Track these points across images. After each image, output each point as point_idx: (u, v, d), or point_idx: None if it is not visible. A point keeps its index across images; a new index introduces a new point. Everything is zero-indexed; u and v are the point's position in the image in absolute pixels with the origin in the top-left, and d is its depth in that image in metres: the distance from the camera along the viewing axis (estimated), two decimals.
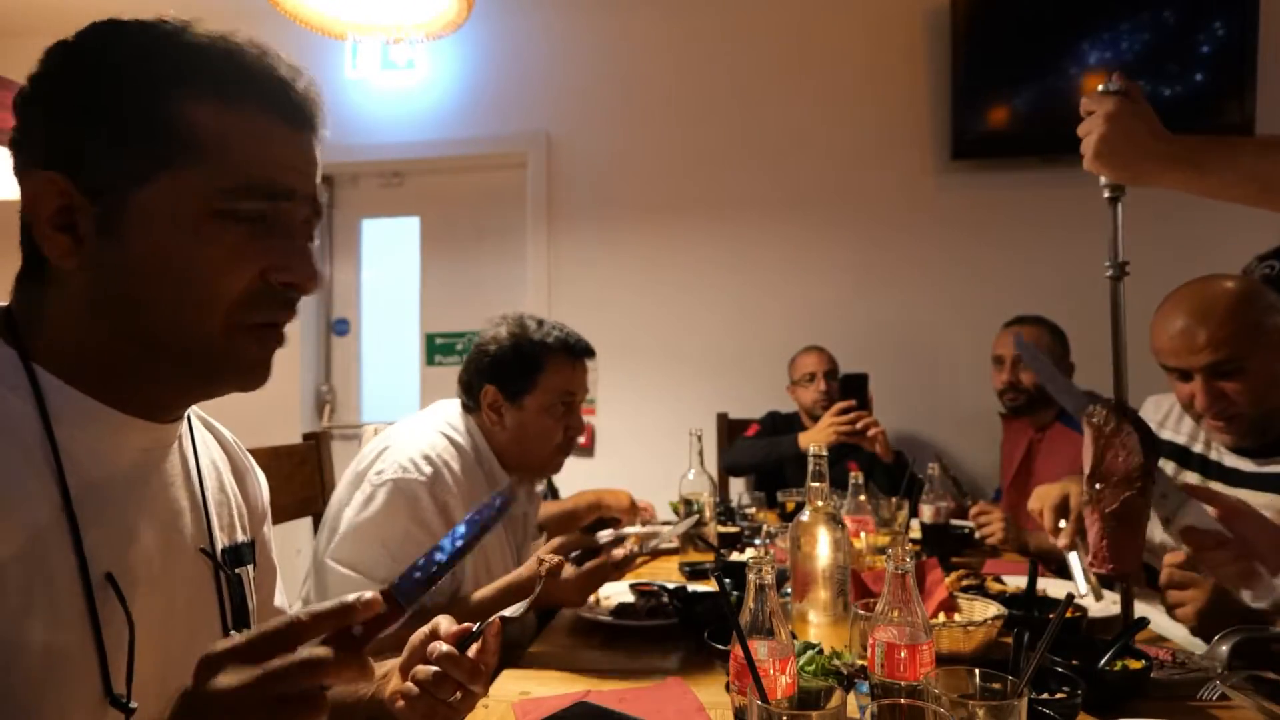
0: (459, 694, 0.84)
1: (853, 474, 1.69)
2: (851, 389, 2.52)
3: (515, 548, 1.60)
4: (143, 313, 0.68)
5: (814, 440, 2.59)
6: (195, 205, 0.67)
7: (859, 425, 2.45)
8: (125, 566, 0.70)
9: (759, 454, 2.79)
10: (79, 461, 0.68)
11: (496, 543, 1.55)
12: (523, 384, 1.54)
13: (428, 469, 1.41)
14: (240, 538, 0.88)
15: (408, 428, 1.53)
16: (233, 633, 0.81)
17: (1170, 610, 1.28)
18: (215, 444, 0.90)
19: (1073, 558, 1.36)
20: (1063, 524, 1.36)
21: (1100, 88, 1.12)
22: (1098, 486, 1.12)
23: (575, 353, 1.58)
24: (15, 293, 0.72)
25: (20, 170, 0.69)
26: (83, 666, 0.66)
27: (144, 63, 0.68)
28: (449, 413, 1.59)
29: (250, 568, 0.88)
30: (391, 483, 1.39)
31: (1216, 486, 1.50)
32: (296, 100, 0.72)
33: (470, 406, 1.58)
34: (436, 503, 1.40)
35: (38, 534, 0.64)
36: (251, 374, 0.73)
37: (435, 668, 0.83)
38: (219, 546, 0.83)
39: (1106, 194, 1.18)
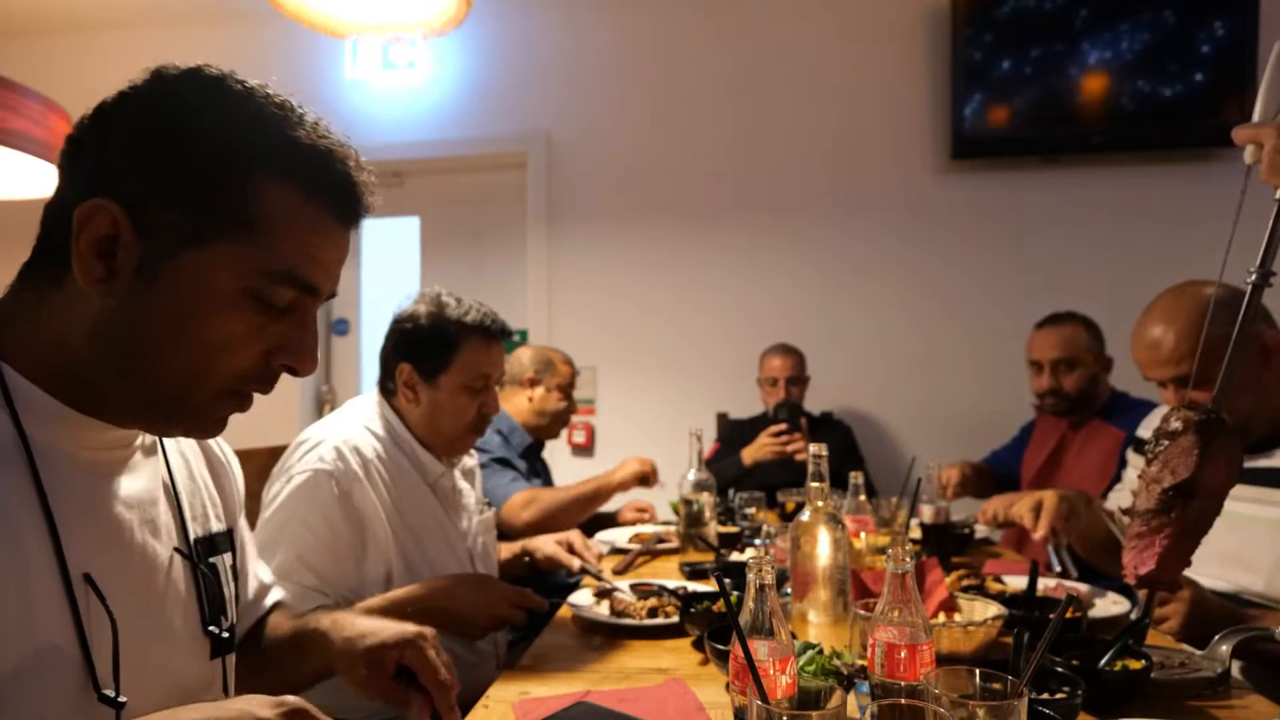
0: None
1: (853, 475, 1.69)
2: (788, 414, 2.82)
3: (454, 521, 1.60)
4: (143, 357, 0.68)
5: (755, 456, 2.81)
6: (234, 280, 0.68)
7: (789, 449, 2.73)
8: (104, 563, 0.70)
9: (730, 474, 2.81)
10: (51, 460, 0.68)
11: (435, 523, 1.55)
12: (438, 363, 1.53)
13: (334, 459, 1.42)
14: (215, 527, 0.88)
15: (323, 424, 1.54)
16: (211, 629, 0.82)
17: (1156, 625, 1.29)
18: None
19: (1049, 547, 1.63)
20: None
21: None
22: (1183, 496, 1.06)
23: (492, 334, 1.57)
24: (15, 284, 0.72)
25: (75, 183, 0.67)
26: (67, 664, 0.66)
27: (241, 133, 0.67)
28: (364, 405, 1.59)
29: (227, 556, 0.89)
30: (299, 477, 1.40)
31: None
32: (358, 204, 0.74)
33: (389, 389, 1.58)
34: (340, 490, 1.41)
35: (16, 532, 0.64)
36: (207, 432, 0.75)
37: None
38: (192, 537, 0.83)
39: None
